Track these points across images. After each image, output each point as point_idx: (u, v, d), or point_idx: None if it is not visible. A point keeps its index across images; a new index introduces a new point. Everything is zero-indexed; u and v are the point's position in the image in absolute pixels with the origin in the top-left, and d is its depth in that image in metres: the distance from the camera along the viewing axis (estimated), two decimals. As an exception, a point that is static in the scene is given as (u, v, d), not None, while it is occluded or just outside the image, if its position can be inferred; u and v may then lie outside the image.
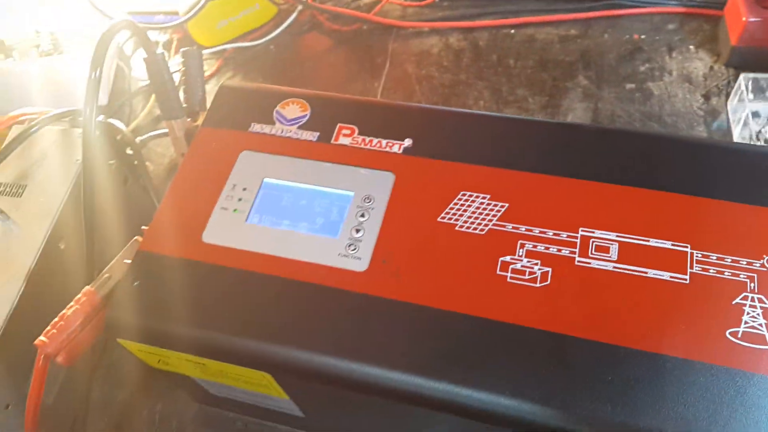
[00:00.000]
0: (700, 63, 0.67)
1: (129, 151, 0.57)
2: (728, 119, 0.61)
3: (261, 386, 0.40)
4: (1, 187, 0.50)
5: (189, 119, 0.47)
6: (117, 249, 0.46)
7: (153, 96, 0.72)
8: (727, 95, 0.63)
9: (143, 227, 0.42)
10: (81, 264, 0.51)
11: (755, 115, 0.58)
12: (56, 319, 0.40)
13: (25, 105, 0.57)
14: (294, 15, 0.76)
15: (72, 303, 0.41)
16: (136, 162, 0.58)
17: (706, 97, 0.63)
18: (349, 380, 0.35)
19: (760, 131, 0.57)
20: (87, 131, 0.44)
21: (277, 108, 0.45)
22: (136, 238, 0.43)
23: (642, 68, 0.67)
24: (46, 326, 0.47)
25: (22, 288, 0.46)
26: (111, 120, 0.55)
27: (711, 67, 0.66)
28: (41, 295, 0.47)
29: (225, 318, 0.37)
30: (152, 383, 0.54)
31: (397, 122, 0.44)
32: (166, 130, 0.69)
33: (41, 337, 0.39)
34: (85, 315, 0.40)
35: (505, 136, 0.42)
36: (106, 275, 0.42)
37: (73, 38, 0.66)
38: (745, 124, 0.58)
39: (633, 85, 0.66)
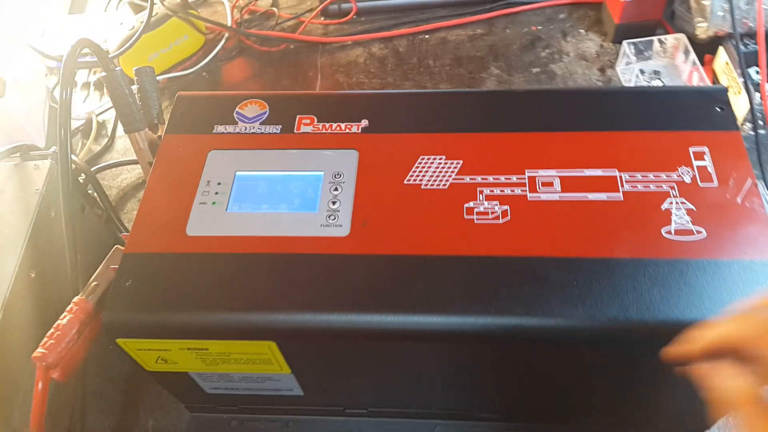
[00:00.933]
0: (591, 43, 0.76)
1: (81, 178, 0.58)
2: (620, 82, 0.70)
3: (263, 362, 0.42)
4: (-37, 226, 0.50)
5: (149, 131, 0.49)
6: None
7: (92, 134, 0.73)
8: (620, 66, 0.72)
9: (122, 234, 0.44)
10: (53, 291, 0.52)
11: (642, 72, 0.67)
12: (51, 331, 0.41)
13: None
14: (222, 43, 0.80)
15: (65, 313, 0.42)
16: (90, 190, 0.59)
17: (602, 70, 0.72)
18: (349, 331, 0.39)
19: (648, 85, 0.66)
20: (63, 151, 0.45)
21: (237, 109, 0.49)
22: (116, 246, 0.45)
23: (543, 54, 0.76)
24: (29, 355, 0.47)
25: None
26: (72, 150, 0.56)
27: (601, 45, 0.75)
28: (18, 325, 0.47)
29: (224, 297, 0.39)
30: (139, 404, 0.54)
31: (351, 107, 0.48)
32: (111, 162, 0.70)
33: (39, 350, 0.40)
34: (80, 322, 0.41)
35: (448, 107, 0.48)
36: (94, 283, 0.43)
37: (12, 81, 0.67)
38: (636, 83, 0.67)
39: (538, 69, 0.74)
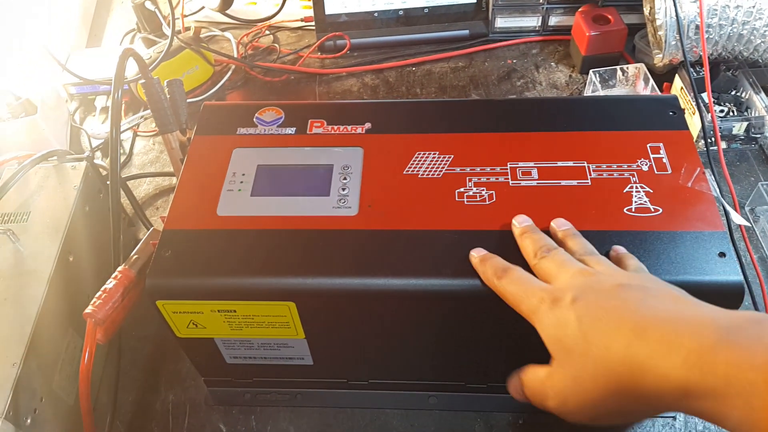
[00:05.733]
0: (561, 74, 0.85)
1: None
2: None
3: (282, 326, 0.48)
4: (9, 217, 0.56)
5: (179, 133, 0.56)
6: (104, 263, 0.53)
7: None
8: (587, 95, 0.81)
9: (161, 216, 0.50)
10: (89, 274, 0.57)
11: (606, 97, 0.77)
12: (99, 293, 0.46)
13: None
14: (229, 74, 0.88)
15: (110, 279, 0.47)
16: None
17: (572, 96, 0.82)
18: (357, 293, 0.45)
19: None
20: (114, 144, 0.51)
21: (256, 115, 0.56)
22: (153, 227, 0.51)
23: (519, 83, 0.85)
24: (68, 325, 0.53)
25: (46, 291, 0.51)
26: (96, 161, 0.63)
27: (570, 76, 0.85)
28: (60, 299, 0.53)
29: (251, 264, 0.46)
30: (160, 382, 0.59)
31: (356, 113, 0.56)
32: (131, 174, 0.76)
33: (89, 308, 0.46)
34: (124, 287, 0.47)
35: (440, 112, 0.56)
36: (135, 256, 0.49)
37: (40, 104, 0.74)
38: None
39: (514, 96, 0.83)
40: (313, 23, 0.93)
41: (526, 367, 0.41)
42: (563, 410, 0.37)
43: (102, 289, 0.46)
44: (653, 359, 0.32)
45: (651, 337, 0.33)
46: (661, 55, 0.77)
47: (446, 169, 0.51)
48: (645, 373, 0.32)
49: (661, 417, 0.55)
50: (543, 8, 0.88)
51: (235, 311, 0.47)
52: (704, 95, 0.74)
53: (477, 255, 0.44)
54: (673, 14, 0.73)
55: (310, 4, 0.91)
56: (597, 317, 0.35)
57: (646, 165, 0.50)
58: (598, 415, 0.36)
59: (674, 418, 0.54)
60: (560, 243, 0.44)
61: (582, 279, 0.38)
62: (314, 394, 0.57)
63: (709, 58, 0.76)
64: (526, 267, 0.43)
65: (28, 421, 0.47)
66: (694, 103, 0.73)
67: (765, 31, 0.75)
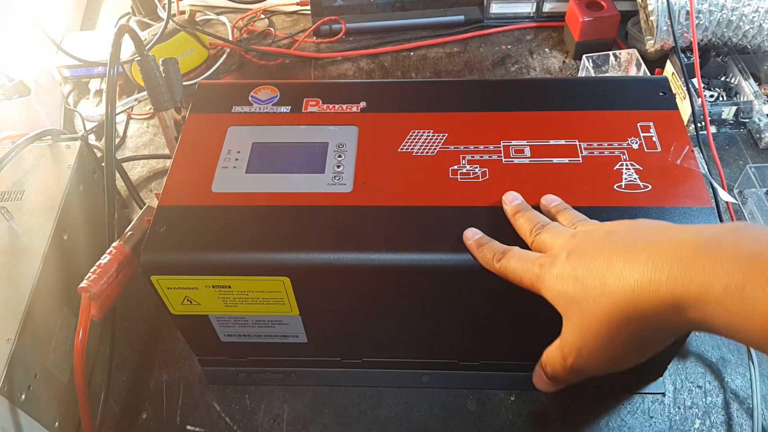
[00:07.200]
0: (554, 60, 0.86)
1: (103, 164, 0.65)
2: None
3: (277, 302, 0.48)
4: (3, 195, 0.56)
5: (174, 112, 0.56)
6: (98, 243, 0.53)
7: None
8: (580, 80, 0.82)
9: (156, 193, 0.50)
10: (83, 252, 0.58)
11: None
12: (94, 268, 0.47)
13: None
14: (223, 57, 0.88)
15: (105, 255, 0.47)
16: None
17: (565, 81, 0.82)
18: (351, 268, 0.45)
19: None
20: (110, 120, 0.52)
21: (252, 94, 0.56)
22: (147, 204, 0.51)
23: (513, 68, 0.85)
24: (62, 303, 0.53)
25: (40, 268, 0.51)
26: (90, 142, 0.63)
27: (563, 61, 0.85)
28: (54, 276, 0.53)
29: (245, 240, 0.46)
30: (154, 360, 0.59)
31: (351, 92, 0.56)
32: (126, 156, 0.76)
33: (84, 282, 0.46)
34: (118, 263, 0.47)
35: (435, 92, 0.56)
36: (130, 233, 0.49)
37: (38, 81, 0.74)
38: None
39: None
40: (308, 7, 0.93)
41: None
42: (581, 362, 0.38)
43: (96, 264, 0.46)
44: (642, 281, 0.33)
45: (638, 260, 0.34)
46: (652, 41, 0.78)
47: (440, 147, 0.51)
48: (638, 296, 0.33)
49: (650, 394, 0.56)
50: (537, -6, 0.89)
51: (229, 287, 0.47)
52: (694, 80, 0.74)
53: (472, 238, 0.44)
54: (665, 0, 0.74)
55: (305, -12, 0.92)
56: (590, 262, 0.37)
57: (636, 143, 0.51)
58: (614, 355, 0.37)
59: (663, 394, 0.55)
60: (552, 218, 0.45)
61: (575, 240, 0.40)
62: (308, 373, 0.58)
63: (699, 44, 0.77)
64: (521, 243, 0.44)
65: (23, 396, 0.47)
66: (684, 88, 0.74)
67: (753, 17, 0.75)
